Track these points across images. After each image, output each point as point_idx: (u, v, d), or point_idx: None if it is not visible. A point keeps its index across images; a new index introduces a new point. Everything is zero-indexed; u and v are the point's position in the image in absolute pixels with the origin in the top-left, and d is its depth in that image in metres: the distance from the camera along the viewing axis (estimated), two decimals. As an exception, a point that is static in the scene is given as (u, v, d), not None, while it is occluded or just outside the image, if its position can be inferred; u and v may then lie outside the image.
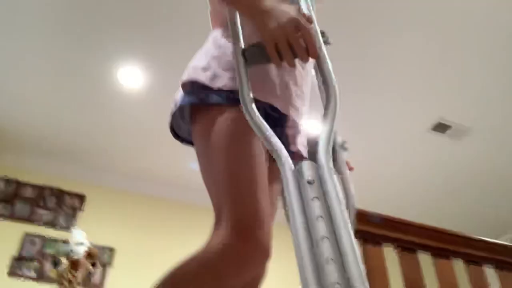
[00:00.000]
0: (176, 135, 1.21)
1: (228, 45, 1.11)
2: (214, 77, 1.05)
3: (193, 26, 2.95)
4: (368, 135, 4.08)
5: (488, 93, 3.62)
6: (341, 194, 0.61)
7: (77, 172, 4.48)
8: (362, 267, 0.53)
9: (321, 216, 0.57)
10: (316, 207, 0.58)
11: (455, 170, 4.50)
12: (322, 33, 1.03)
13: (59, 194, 4.29)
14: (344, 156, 1.23)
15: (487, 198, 4.88)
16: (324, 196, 0.60)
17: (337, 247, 0.54)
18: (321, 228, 0.56)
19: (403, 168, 4.52)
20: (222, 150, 0.97)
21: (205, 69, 1.08)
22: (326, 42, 1.27)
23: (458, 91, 3.62)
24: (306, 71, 1.22)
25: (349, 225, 0.55)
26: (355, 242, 0.54)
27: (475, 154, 4.26)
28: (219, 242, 0.88)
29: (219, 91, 1.03)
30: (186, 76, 1.12)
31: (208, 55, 1.12)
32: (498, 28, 3.09)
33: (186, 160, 4.03)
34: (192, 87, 1.08)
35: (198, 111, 1.07)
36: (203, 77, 1.06)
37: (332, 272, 0.52)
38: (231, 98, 1.00)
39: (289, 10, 0.93)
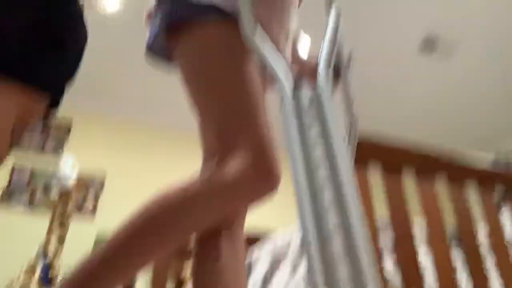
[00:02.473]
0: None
1: None
2: None
3: None
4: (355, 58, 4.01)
5: (474, 3, 3.53)
6: (338, 118, 0.60)
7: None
8: (355, 189, 0.54)
9: (318, 142, 0.57)
10: (313, 133, 0.58)
11: (444, 89, 4.50)
12: None
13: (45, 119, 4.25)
14: (349, 73, 1.18)
15: (477, 114, 4.92)
16: (322, 121, 0.59)
17: (335, 172, 0.55)
18: (317, 154, 0.56)
19: (394, 90, 4.50)
20: (227, 70, 0.94)
21: None
22: None
23: (445, 2, 3.53)
24: None
25: (345, 150, 0.56)
26: (351, 166, 0.55)
27: (465, 71, 4.24)
28: (237, 167, 0.86)
29: (207, 7, 0.97)
30: None
31: None
32: None
33: (173, 85, 3.97)
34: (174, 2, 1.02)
35: (187, 28, 1.00)
36: None
37: (327, 196, 0.53)
38: (223, 13, 0.96)
39: None
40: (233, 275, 0.92)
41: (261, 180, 0.86)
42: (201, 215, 0.88)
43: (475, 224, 1.96)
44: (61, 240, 2.82)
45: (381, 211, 2.00)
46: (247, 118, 0.89)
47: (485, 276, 1.83)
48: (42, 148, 4.11)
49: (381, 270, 1.68)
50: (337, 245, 0.51)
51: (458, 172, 2.01)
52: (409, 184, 2.00)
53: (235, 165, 0.86)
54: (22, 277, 2.63)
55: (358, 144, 1.80)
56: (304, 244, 0.53)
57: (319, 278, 0.50)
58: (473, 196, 2.03)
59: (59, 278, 2.88)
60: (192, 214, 0.87)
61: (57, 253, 2.78)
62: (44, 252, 2.73)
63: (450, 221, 1.89)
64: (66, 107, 4.33)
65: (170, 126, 4.75)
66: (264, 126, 0.89)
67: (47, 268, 2.68)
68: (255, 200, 0.90)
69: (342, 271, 0.50)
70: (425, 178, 1.93)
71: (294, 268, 1.81)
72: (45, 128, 4.21)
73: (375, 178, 1.95)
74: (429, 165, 1.95)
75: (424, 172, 1.95)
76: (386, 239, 1.84)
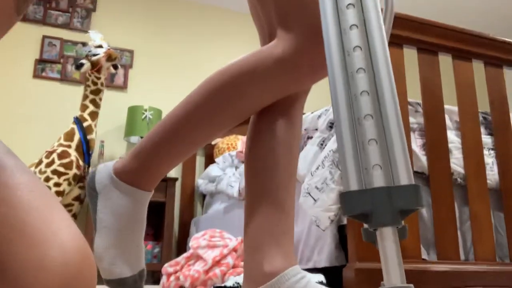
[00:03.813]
0: None
1: None
2: None
3: None
4: None
5: None
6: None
7: (85, -29, 4.27)
8: (390, 70, 0.53)
9: (355, 25, 0.54)
10: (350, 15, 0.55)
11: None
12: None
13: (70, -5, 4.18)
14: None
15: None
16: (360, 2, 0.56)
17: (369, 56, 0.53)
18: (353, 31, 0.54)
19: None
20: None
21: None
22: None
23: None
24: None
25: (384, 33, 0.53)
26: (387, 51, 0.53)
27: None
28: (296, 45, 0.86)
29: None
30: None
31: None
32: None
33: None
34: None
35: None
36: None
37: (361, 79, 0.52)
38: None
39: None
40: (286, 151, 0.95)
41: (319, 59, 0.86)
42: (258, 90, 0.90)
43: (508, 108, 1.94)
44: (94, 114, 2.91)
45: (413, 92, 1.99)
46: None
47: None
48: (68, 24, 4.09)
49: (410, 151, 1.71)
50: (369, 127, 0.51)
51: (495, 55, 1.95)
52: (446, 64, 1.96)
53: (292, 41, 0.86)
54: (61, 141, 2.76)
55: (395, 20, 1.74)
56: (336, 126, 0.53)
57: (350, 161, 0.51)
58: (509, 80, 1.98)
59: (95, 150, 3.03)
60: (249, 89, 0.89)
61: (92, 124, 2.88)
62: (79, 122, 2.84)
63: (482, 104, 1.87)
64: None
65: (199, 2, 4.61)
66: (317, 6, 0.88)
67: (85, 139, 2.80)
68: (311, 79, 0.90)
69: (374, 154, 0.51)
70: (461, 60, 1.88)
71: (322, 143, 1.86)
72: (70, 4, 4.14)
73: (410, 57, 1.91)
74: (466, 46, 1.89)
75: (461, 53, 1.89)
76: (415, 121, 1.85)
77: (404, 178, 0.50)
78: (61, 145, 2.76)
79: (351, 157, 0.51)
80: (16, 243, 0.39)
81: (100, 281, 0.97)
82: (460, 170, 1.78)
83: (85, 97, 2.92)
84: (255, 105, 0.92)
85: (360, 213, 0.50)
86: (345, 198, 0.50)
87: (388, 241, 0.48)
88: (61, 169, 2.64)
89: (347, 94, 0.53)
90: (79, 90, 3.93)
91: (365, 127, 0.51)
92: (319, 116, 2.00)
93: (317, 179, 1.75)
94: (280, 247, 0.89)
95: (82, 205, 2.91)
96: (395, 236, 0.48)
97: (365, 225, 0.52)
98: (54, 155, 2.68)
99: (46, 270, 0.39)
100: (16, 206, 0.42)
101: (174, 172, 4.01)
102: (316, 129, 1.99)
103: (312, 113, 2.12)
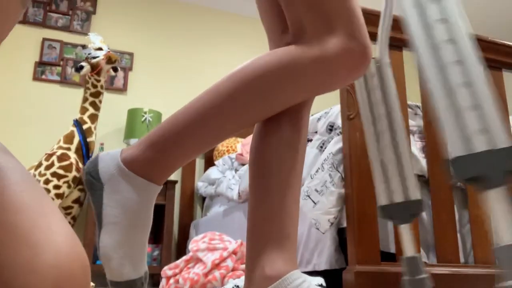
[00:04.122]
0: None
1: None
2: None
3: None
4: None
5: None
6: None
7: (86, -26, 4.28)
8: (475, 46, 0.56)
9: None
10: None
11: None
12: None
13: (70, -3, 4.18)
14: None
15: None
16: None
17: (454, 29, 0.58)
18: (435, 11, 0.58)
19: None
20: None
21: None
22: None
23: None
24: None
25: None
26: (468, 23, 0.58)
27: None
28: (336, 46, 0.84)
29: None
30: None
31: None
32: None
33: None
34: None
35: None
36: None
37: (450, 51, 0.57)
38: None
39: None
40: (292, 155, 0.94)
41: (356, 61, 0.85)
42: (291, 87, 0.88)
43: (507, 111, 1.94)
44: (94, 116, 2.91)
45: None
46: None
47: None
48: (68, 27, 4.09)
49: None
50: (466, 95, 0.54)
51: (494, 58, 1.94)
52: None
53: (332, 42, 0.85)
54: (61, 144, 2.75)
55: (395, 23, 1.73)
56: (431, 96, 0.56)
57: (451, 128, 0.53)
58: None
59: (95, 153, 3.03)
60: (283, 84, 0.87)
61: (91, 126, 2.88)
62: (79, 125, 2.84)
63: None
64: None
65: (199, 5, 4.61)
66: (358, 8, 0.87)
67: (85, 142, 2.80)
68: (344, 80, 0.89)
69: (474, 120, 0.52)
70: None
71: (322, 145, 1.86)
72: (70, 7, 4.14)
73: (410, 60, 1.91)
74: None
75: None
76: (414, 124, 1.85)
77: (505, 140, 0.51)
78: (60, 147, 2.75)
79: (451, 124, 0.53)
80: (7, 245, 0.38)
81: (95, 280, 0.95)
82: (460, 173, 1.78)
83: (84, 99, 2.92)
84: (284, 102, 0.90)
85: (472, 177, 0.51)
86: (456, 163, 0.52)
87: (501, 201, 0.50)
88: (61, 172, 2.64)
89: (439, 65, 0.56)
90: (78, 93, 3.92)
91: (462, 95, 0.54)
92: (319, 119, 2.00)
93: (316, 182, 1.75)
94: (283, 251, 0.89)
95: (82, 208, 2.90)
96: (507, 196, 0.50)
97: (380, 204, 0.54)
98: (54, 158, 2.67)
99: (38, 272, 0.38)
100: (7, 207, 0.41)
101: (174, 175, 4.00)
102: (316, 132, 1.99)
103: (311, 115, 2.11)
